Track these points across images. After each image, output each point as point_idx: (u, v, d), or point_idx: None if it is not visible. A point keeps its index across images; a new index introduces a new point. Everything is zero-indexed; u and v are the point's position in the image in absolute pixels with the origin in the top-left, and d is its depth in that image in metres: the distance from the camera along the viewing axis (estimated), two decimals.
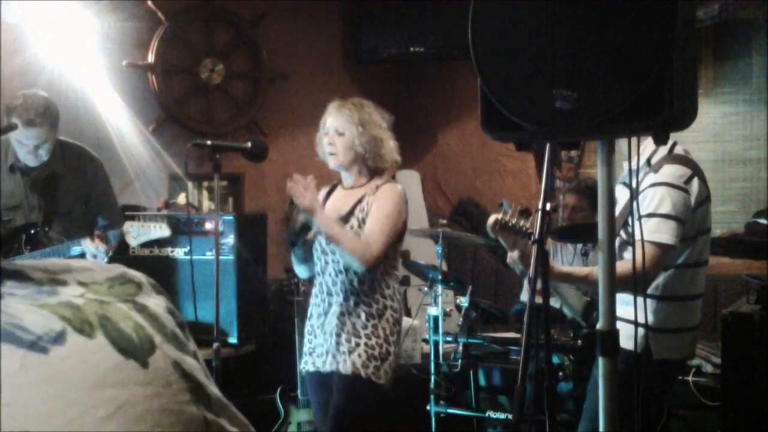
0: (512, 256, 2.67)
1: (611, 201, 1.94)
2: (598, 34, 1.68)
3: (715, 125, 5.94)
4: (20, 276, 0.54)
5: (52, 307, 0.52)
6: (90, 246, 3.34)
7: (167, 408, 0.51)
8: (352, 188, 3.24)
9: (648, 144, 2.71)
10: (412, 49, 6.08)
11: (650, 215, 2.65)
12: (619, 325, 1.98)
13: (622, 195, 2.84)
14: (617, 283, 2.15)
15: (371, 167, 3.21)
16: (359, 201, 3.19)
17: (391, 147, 3.25)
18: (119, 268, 0.59)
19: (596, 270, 2.62)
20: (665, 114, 1.66)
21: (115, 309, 0.54)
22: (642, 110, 1.67)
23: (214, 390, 0.56)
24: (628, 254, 2.72)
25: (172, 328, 0.57)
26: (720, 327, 3.29)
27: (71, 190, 3.61)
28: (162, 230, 3.36)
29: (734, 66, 5.89)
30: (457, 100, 6.53)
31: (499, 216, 2.70)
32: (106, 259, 3.37)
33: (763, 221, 5.44)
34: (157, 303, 0.58)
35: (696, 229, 2.77)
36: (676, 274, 2.75)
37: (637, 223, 2.63)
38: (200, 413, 0.53)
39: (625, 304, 2.23)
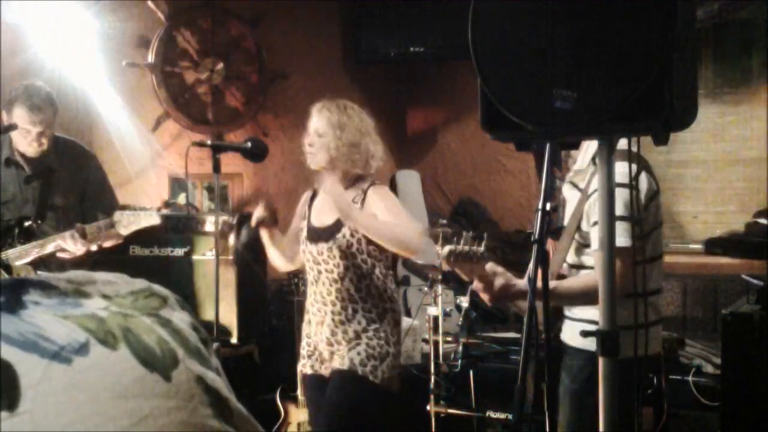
0: (477, 287, 2.54)
1: (611, 201, 1.94)
2: (598, 34, 1.68)
3: (715, 125, 5.94)
4: (45, 285, 0.54)
5: (76, 318, 0.52)
6: (68, 244, 3.31)
7: (190, 421, 0.51)
8: None
9: (592, 141, 2.61)
10: (412, 49, 6.08)
11: None
12: (589, 327, 1.99)
13: (570, 196, 2.82)
14: (587, 299, 2.12)
15: (351, 173, 3.14)
16: None
17: (370, 153, 3.14)
18: (143, 283, 0.59)
19: (562, 283, 2.61)
20: (665, 114, 1.66)
21: (138, 322, 0.54)
22: (642, 110, 1.67)
23: (236, 405, 0.56)
24: (585, 258, 2.71)
25: (196, 344, 0.57)
26: (720, 327, 3.28)
27: (66, 185, 3.62)
28: (152, 218, 3.33)
29: (734, 66, 5.89)
30: (457, 100, 6.53)
31: (452, 246, 2.53)
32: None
33: (763, 221, 5.44)
34: (181, 318, 0.58)
35: (650, 225, 2.71)
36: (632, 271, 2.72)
37: (594, 230, 2.57)
38: (222, 428, 0.53)
39: (593, 308, 2.23)
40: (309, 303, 3.25)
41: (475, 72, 1.79)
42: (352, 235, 3.07)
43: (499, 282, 2.46)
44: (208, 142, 3.33)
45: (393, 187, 6.39)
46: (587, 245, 2.68)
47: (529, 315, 2.05)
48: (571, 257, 2.76)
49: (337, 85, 6.01)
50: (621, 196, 2.59)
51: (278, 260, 3.33)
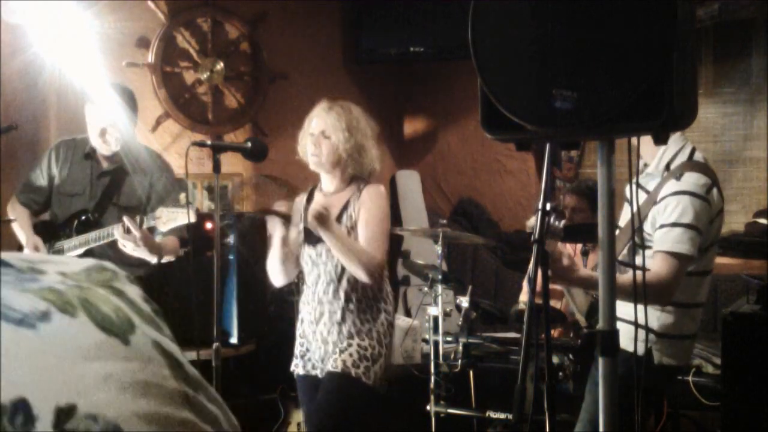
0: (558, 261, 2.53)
1: (611, 201, 1.94)
2: (599, 34, 1.68)
3: (715, 125, 5.94)
4: (1, 263, 0.57)
5: (35, 291, 0.55)
6: (119, 231, 3.29)
7: (151, 381, 0.54)
8: (333, 194, 3.18)
9: (668, 148, 2.70)
10: (412, 49, 6.08)
11: (673, 225, 2.63)
12: (621, 326, 1.98)
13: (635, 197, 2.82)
14: (635, 294, 2.13)
15: (351, 173, 3.16)
16: (344, 208, 3.13)
17: (373, 156, 3.17)
18: (93, 261, 0.63)
19: (622, 278, 2.60)
20: (665, 114, 1.66)
21: (94, 293, 0.57)
22: (642, 110, 1.67)
23: (191, 369, 0.59)
24: (639, 258, 2.71)
25: (149, 313, 0.60)
26: (720, 327, 3.28)
27: (134, 189, 3.62)
28: (189, 217, 3.30)
29: (734, 66, 5.88)
30: (457, 100, 6.53)
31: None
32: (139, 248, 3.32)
33: (763, 221, 5.44)
34: (133, 290, 0.61)
35: (710, 240, 2.75)
36: (684, 281, 2.74)
37: (658, 233, 2.63)
38: (181, 388, 0.55)
39: (628, 306, 2.23)
40: (303, 302, 3.25)
41: (475, 72, 1.79)
42: (348, 234, 3.09)
43: (565, 261, 2.44)
44: (208, 142, 3.33)
45: (393, 187, 6.39)
46: (646, 246, 2.70)
47: (529, 315, 2.05)
48: (622, 256, 2.78)
49: (336, 85, 6.02)
50: (693, 206, 2.62)
51: (279, 275, 3.25)
